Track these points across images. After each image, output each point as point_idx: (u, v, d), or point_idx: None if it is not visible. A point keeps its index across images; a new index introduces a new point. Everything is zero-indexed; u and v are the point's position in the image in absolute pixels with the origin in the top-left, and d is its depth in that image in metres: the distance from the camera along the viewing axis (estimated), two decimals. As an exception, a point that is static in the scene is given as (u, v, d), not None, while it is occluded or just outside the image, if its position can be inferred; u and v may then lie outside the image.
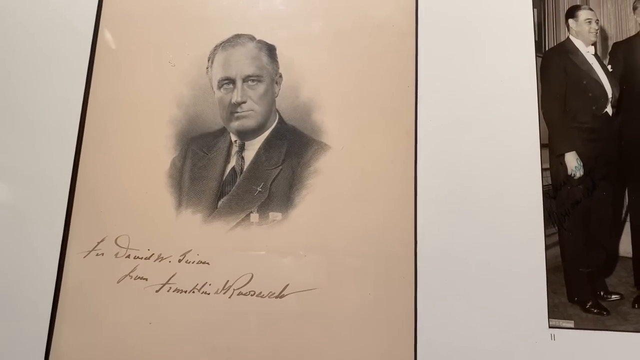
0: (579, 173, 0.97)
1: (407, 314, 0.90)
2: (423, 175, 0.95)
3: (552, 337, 0.90)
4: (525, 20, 1.02)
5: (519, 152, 0.97)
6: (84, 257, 0.94)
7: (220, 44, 1.02)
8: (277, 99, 1.00)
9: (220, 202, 0.96)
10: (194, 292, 0.92)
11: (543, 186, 0.96)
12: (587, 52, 1.03)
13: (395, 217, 0.94)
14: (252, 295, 0.92)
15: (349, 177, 0.96)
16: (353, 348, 0.90)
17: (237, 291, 0.92)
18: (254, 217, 0.95)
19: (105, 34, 1.03)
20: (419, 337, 0.90)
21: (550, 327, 0.90)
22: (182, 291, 0.92)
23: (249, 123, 0.99)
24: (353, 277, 0.92)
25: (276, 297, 0.92)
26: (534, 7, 1.03)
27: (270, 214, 0.95)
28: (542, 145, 0.98)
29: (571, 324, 0.91)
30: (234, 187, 0.96)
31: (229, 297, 0.92)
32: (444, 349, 0.89)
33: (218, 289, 0.92)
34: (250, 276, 0.92)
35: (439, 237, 0.93)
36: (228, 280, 0.92)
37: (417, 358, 0.89)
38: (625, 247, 0.96)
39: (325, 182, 0.96)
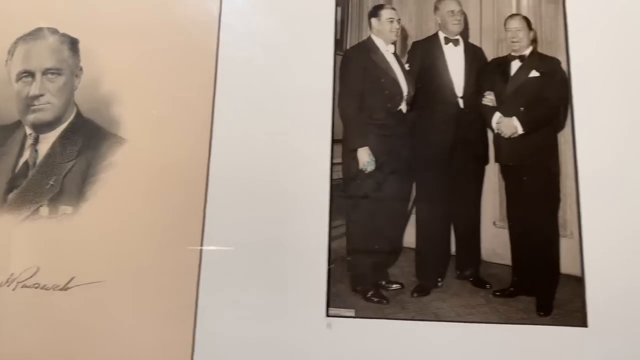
0: (370, 167, 1.01)
1: (189, 305, 0.92)
2: (216, 170, 0.97)
3: (330, 325, 0.93)
4: (327, 18, 1.05)
5: (310, 146, 0.99)
6: None
7: (22, 37, 1.02)
8: (76, 92, 1.00)
9: (10, 196, 0.96)
10: (-23, 285, 0.92)
11: (334, 180, 0.99)
12: (387, 50, 1.06)
13: (186, 211, 0.96)
14: (36, 287, 0.92)
15: (144, 171, 0.98)
16: (135, 338, 0.91)
17: (21, 284, 0.92)
18: (44, 210, 0.95)
19: None
20: (198, 327, 0.92)
21: (329, 315, 0.94)
22: (-35, 284, 0.92)
23: (45, 116, 0.99)
24: (139, 270, 0.94)
25: (60, 289, 0.92)
26: (337, 6, 1.06)
27: (61, 207, 0.95)
28: (337, 141, 1.01)
29: (352, 312, 0.95)
30: (25, 181, 0.96)
31: (13, 290, 0.92)
32: (221, 338, 0.92)
33: (1, 282, 0.92)
34: (36, 269, 0.93)
35: (226, 227, 0.95)
36: (12, 273, 0.93)
37: (195, 346, 0.91)
38: (409, 238, 1.00)
39: (119, 175, 0.97)
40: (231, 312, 0.93)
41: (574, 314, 0.94)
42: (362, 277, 0.97)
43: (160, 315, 0.92)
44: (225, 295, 0.93)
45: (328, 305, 0.94)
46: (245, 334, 0.92)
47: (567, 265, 0.97)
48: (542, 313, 0.95)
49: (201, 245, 0.94)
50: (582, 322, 0.94)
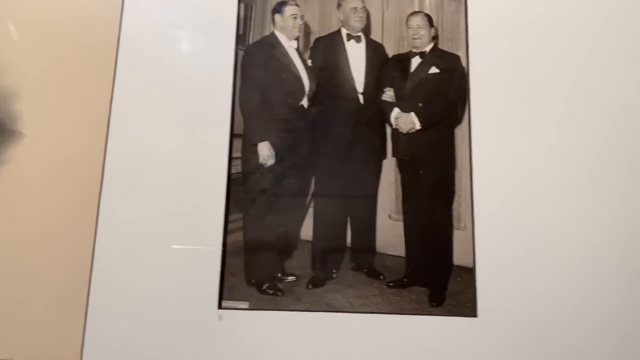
0: (270, 162, 1.02)
1: (80, 299, 0.93)
2: (111, 165, 0.98)
3: (221, 318, 0.94)
4: (229, 13, 1.05)
5: (209, 140, 1.00)
6: None
7: None
8: (-26, 87, 1.00)
9: None
10: None
11: (233, 174, 1.00)
12: (290, 46, 1.07)
13: (80, 206, 0.96)
14: None
15: (41, 166, 0.98)
16: (26, 336, 0.92)
17: None
18: (-64, 205, 0.95)
19: None
20: (88, 321, 0.92)
21: (222, 308, 0.95)
22: None
23: (-58, 111, 0.99)
24: (32, 265, 0.94)
25: (-51, 287, 0.93)
26: (240, 2, 1.07)
27: (-45, 202, 0.96)
28: (237, 135, 1.02)
29: (246, 305, 0.96)
30: None
31: None
32: (112, 332, 0.92)
33: None
34: None
35: (120, 222, 0.96)
36: None
37: (85, 341, 0.92)
38: (306, 231, 1.01)
39: (15, 171, 0.97)
40: (123, 306, 0.93)
41: (466, 305, 0.97)
42: (257, 270, 0.98)
43: (51, 312, 0.93)
44: (117, 289, 0.94)
45: (221, 298, 0.95)
46: (137, 328, 0.93)
47: (460, 257, 1.00)
48: (434, 303, 0.97)
49: (94, 240, 0.95)
50: (472, 312, 0.96)
